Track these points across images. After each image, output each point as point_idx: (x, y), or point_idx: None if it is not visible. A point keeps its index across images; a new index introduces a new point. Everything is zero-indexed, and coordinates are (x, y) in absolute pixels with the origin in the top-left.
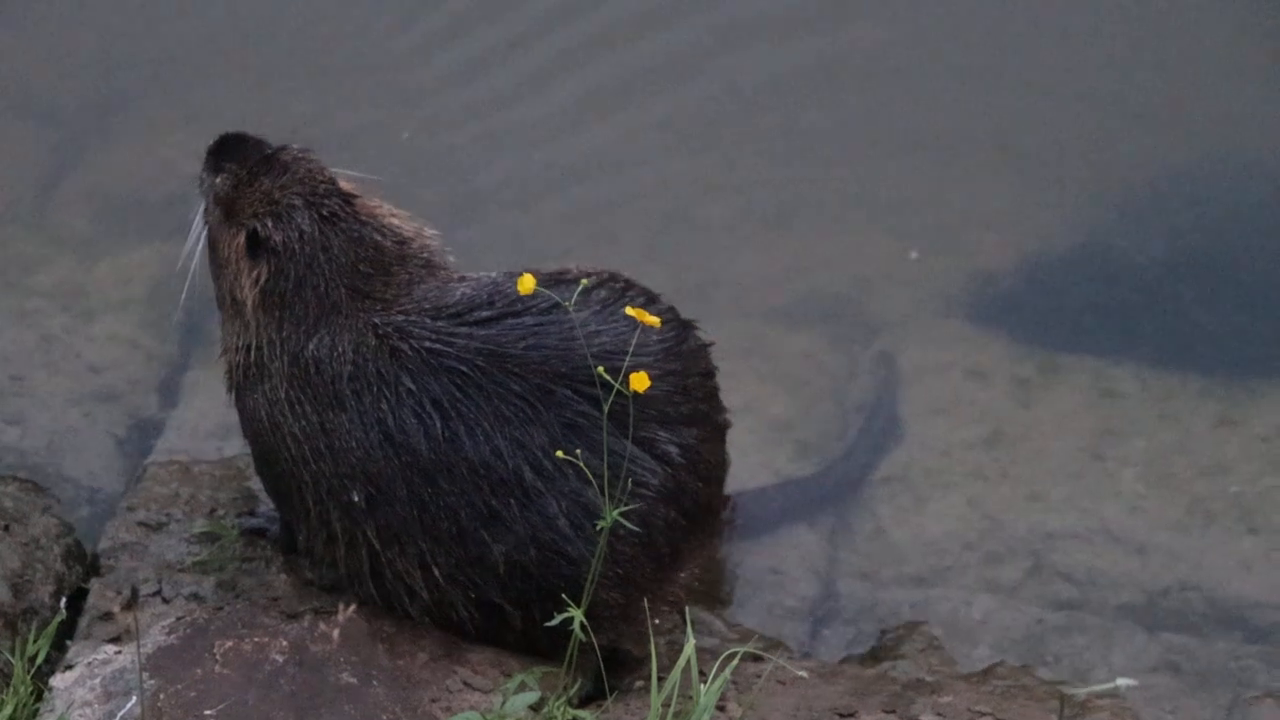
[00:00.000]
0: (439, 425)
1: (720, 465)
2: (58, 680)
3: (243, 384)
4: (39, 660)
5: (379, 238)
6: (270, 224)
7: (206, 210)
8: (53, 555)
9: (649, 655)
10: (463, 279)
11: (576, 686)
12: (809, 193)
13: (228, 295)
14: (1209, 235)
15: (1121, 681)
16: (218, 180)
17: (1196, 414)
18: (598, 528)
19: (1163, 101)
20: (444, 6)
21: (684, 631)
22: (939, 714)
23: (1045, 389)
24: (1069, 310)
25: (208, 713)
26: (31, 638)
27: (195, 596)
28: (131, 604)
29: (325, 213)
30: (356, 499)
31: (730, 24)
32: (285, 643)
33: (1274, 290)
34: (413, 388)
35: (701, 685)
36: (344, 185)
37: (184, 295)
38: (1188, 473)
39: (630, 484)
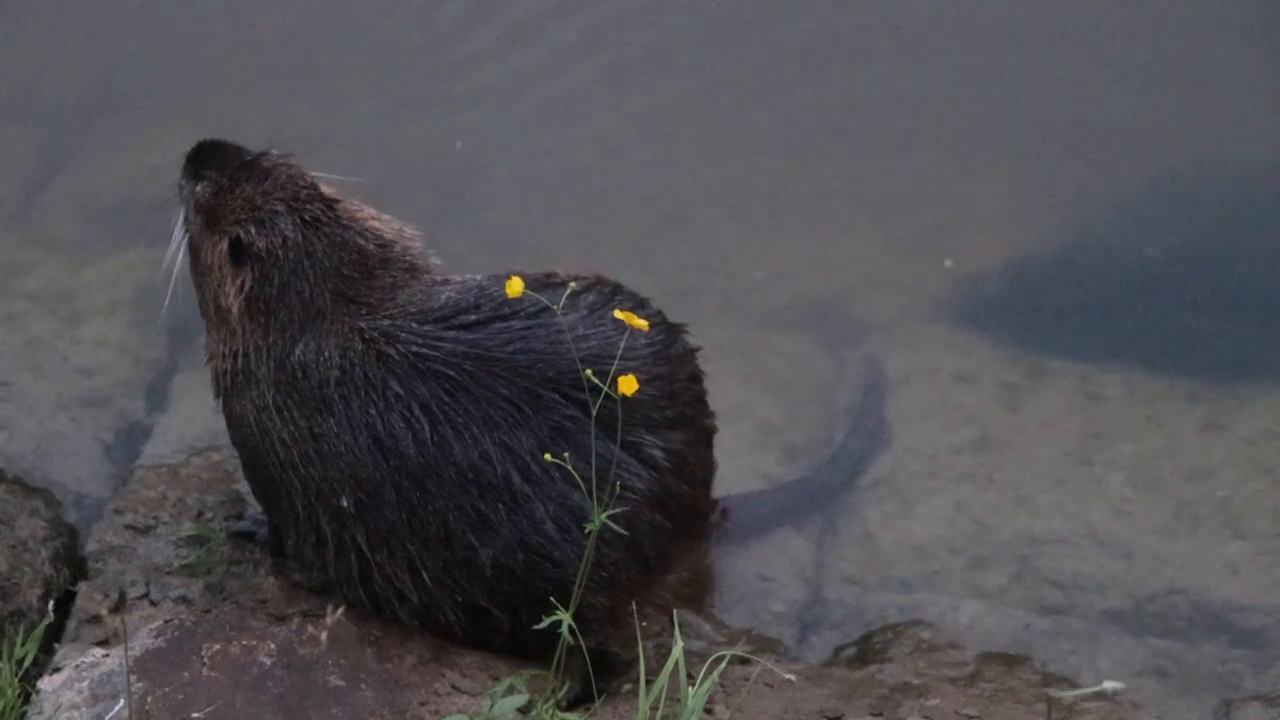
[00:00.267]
0: (427, 429)
1: (706, 469)
2: (45, 683)
3: (230, 391)
4: (27, 663)
5: (362, 242)
6: (253, 230)
7: (187, 218)
8: (40, 558)
9: (637, 658)
10: (446, 282)
11: (565, 689)
12: (796, 196)
13: (211, 303)
14: (1196, 240)
15: (1108, 685)
16: (198, 188)
17: (1183, 418)
18: (586, 531)
19: (1151, 105)
20: (432, 8)
21: (672, 634)
22: (926, 717)
23: (1032, 393)
24: (1056, 314)
25: (195, 715)
26: (19, 640)
27: (183, 599)
28: (119, 607)
29: (308, 218)
30: (345, 503)
31: (716, 24)
32: (273, 645)
33: (1260, 294)
34: (400, 392)
35: (689, 688)
36: (325, 189)
37: (167, 302)
38: (1174, 477)
39: (619, 488)
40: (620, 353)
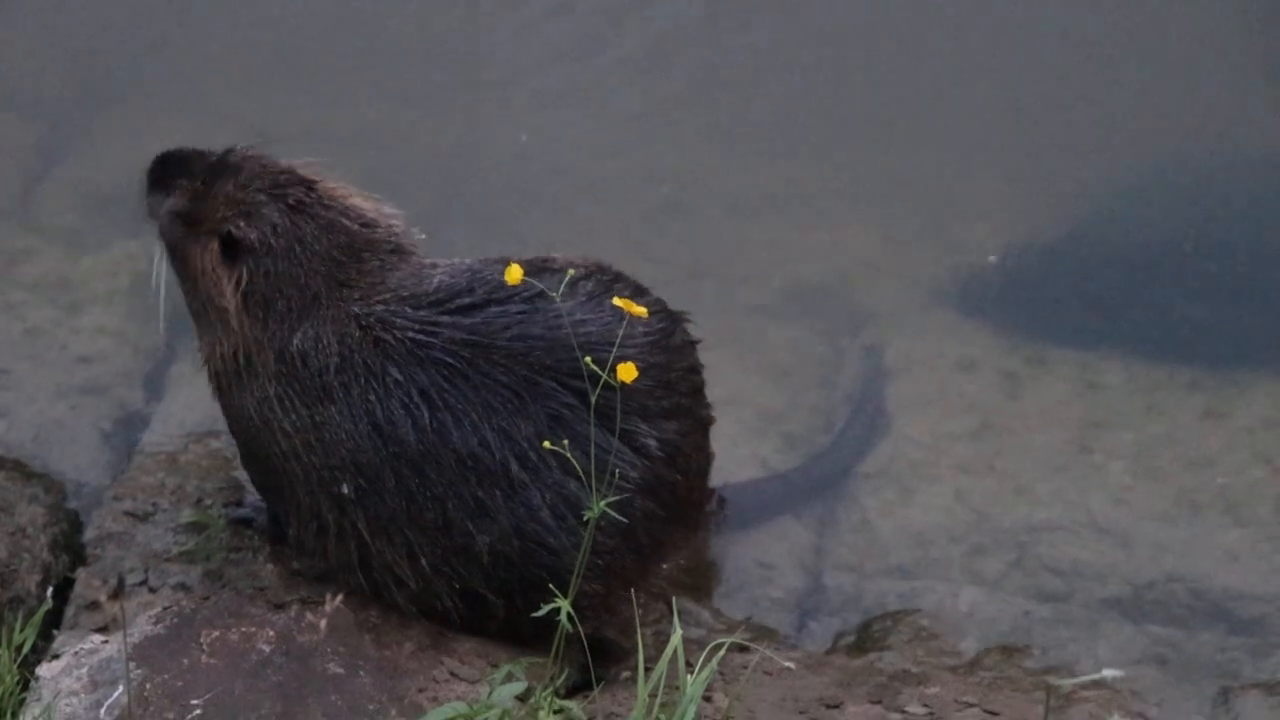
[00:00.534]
0: (426, 416)
1: (702, 459)
2: (44, 669)
3: (230, 387)
4: (25, 649)
5: (347, 222)
6: (243, 225)
7: (164, 233)
8: (40, 544)
9: (636, 646)
10: (435, 265)
11: (563, 677)
12: (796, 184)
13: (207, 307)
14: (1196, 229)
15: (1107, 673)
16: (171, 199)
17: (1183, 406)
18: (584, 519)
19: (1151, 95)
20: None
21: (671, 622)
22: (925, 705)
23: (1032, 381)
24: (1056, 302)
25: (194, 702)
26: (18, 627)
27: (182, 586)
28: (118, 593)
29: (292, 202)
30: (347, 490)
31: (713, 14)
32: (272, 633)
33: (1261, 283)
34: (400, 378)
35: (688, 676)
36: (302, 172)
37: (162, 324)
38: (1174, 465)
39: (617, 476)
40: (618, 340)
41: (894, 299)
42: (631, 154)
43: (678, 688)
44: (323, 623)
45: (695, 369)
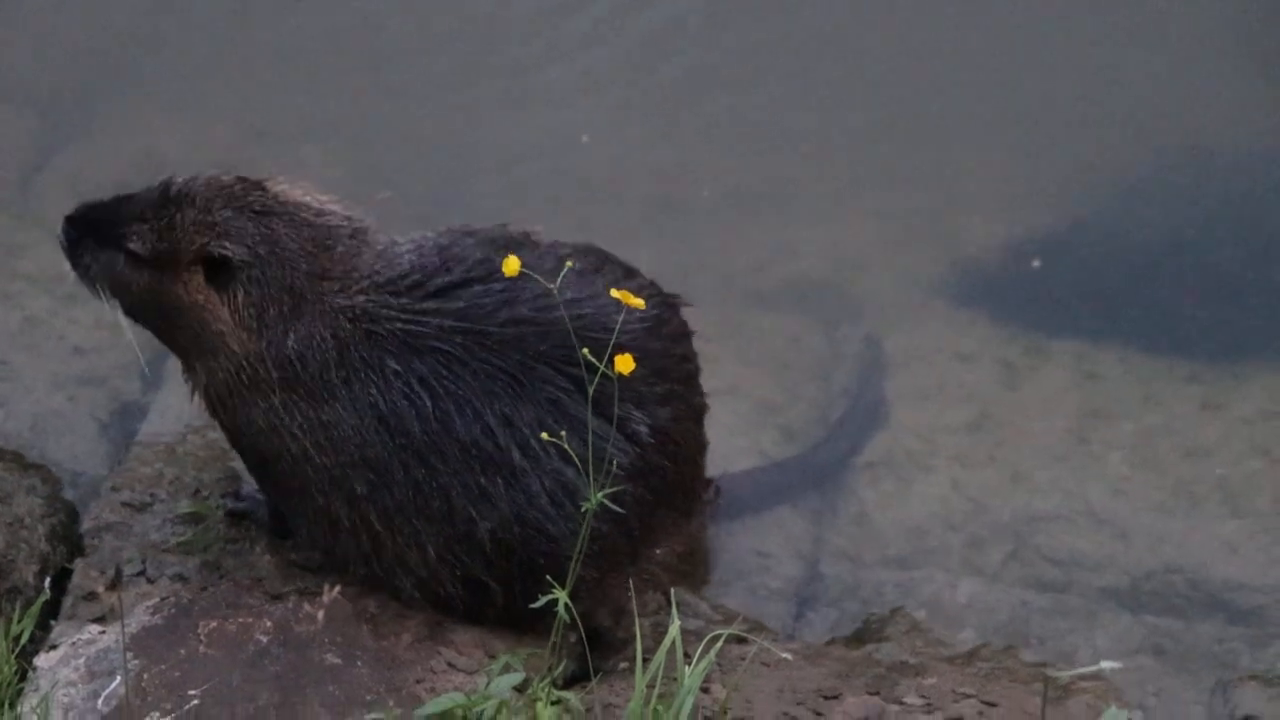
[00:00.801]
0: (430, 405)
1: (694, 447)
2: (42, 660)
3: (236, 406)
4: (23, 640)
5: (305, 215)
6: (226, 244)
7: (125, 283)
8: (37, 535)
9: (634, 637)
10: (395, 243)
11: (561, 668)
12: (794, 176)
13: (199, 337)
14: (1194, 221)
15: (1105, 664)
16: (131, 245)
17: (1181, 397)
18: (582, 508)
19: (1150, 90)
20: None
21: (669, 613)
22: (923, 696)
23: (1031, 372)
24: (1055, 294)
25: (192, 693)
26: (15, 617)
27: (180, 577)
28: (116, 584)
29: (258, 208)
30: (358, 487)
31: (715, 9)
32: (270, 623)
33: (1258, 275)
34: (398, 368)
35: (686, 667)
36: (249, 179)
37: (142, 363)
38: (1172, 456)
39: (612, 463)
40: (612, 327)
41: (892, 291)
42: (631, 148)
43: (675, 679)
44: (320, 613)
45: (689, 356)
